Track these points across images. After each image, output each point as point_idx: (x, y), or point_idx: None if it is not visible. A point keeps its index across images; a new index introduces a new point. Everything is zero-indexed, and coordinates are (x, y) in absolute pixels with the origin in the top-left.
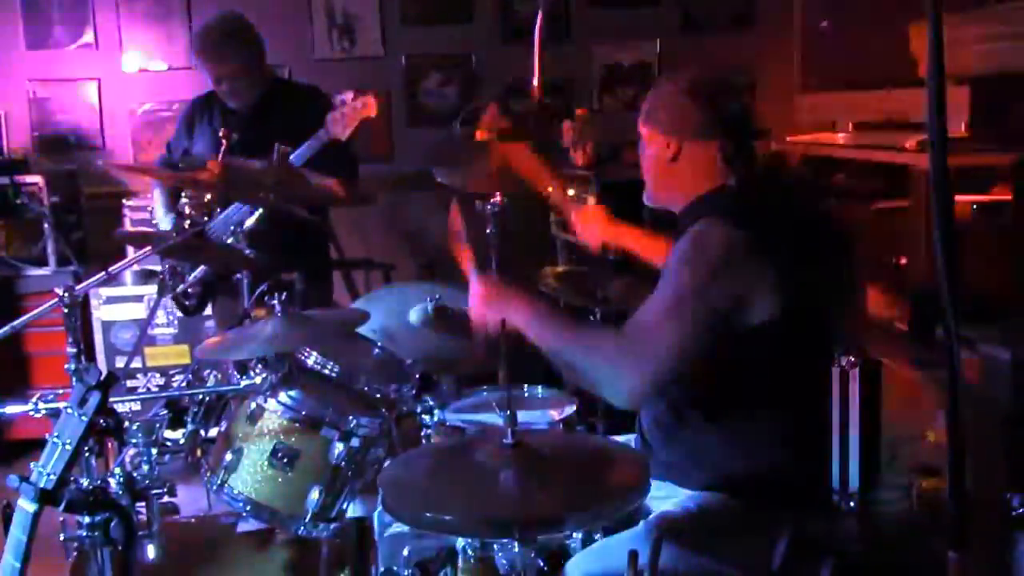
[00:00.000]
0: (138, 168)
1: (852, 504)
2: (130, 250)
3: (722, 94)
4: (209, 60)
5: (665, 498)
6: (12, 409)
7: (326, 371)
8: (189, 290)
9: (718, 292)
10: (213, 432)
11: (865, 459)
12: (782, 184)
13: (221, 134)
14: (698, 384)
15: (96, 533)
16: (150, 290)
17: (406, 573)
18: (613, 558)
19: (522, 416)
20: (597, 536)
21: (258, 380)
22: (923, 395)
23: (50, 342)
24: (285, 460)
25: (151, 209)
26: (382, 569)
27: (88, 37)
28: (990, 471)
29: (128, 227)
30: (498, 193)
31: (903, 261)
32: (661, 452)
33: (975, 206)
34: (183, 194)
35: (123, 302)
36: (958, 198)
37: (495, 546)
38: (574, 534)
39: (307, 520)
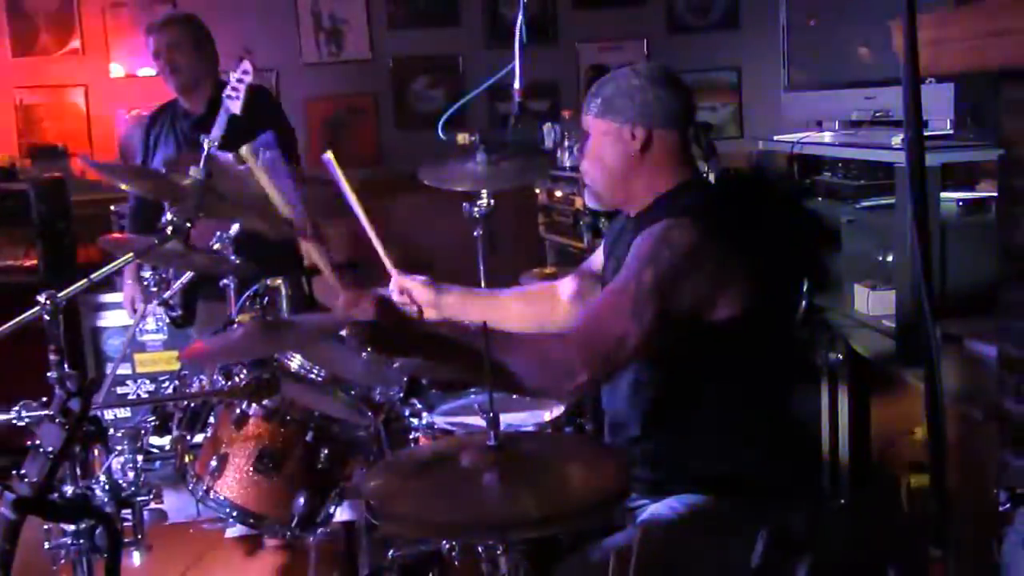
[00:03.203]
0: (119, 169)
1: (842, 501)
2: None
3: (680, 82)
4: (153, 32)
5: (650, 502)
6: None
7: (311, 375)
8: (171, 302)
9: (680, 293)
10: (199, 438)
11: (854, 456)
12: (765, 183)
13: (203, 140)
14: (666, 385)
15: (81, 541)
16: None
17: None
18: (600, 563)
19: (510, 418)
20: (585, 540)
21: (243, 385)
22: (911, 392)
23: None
24: (271, 465)
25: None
26: (368, 572)
27: (75, 43)
28: (976, 468)
29: (116, 234)
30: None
31: (890, 259)
32: (638, 469)
33: (960, 203)
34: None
35: (112, 309)
36: (943, 195)
37: (480, 549)
38: (560, 536)
39: (294, 525)
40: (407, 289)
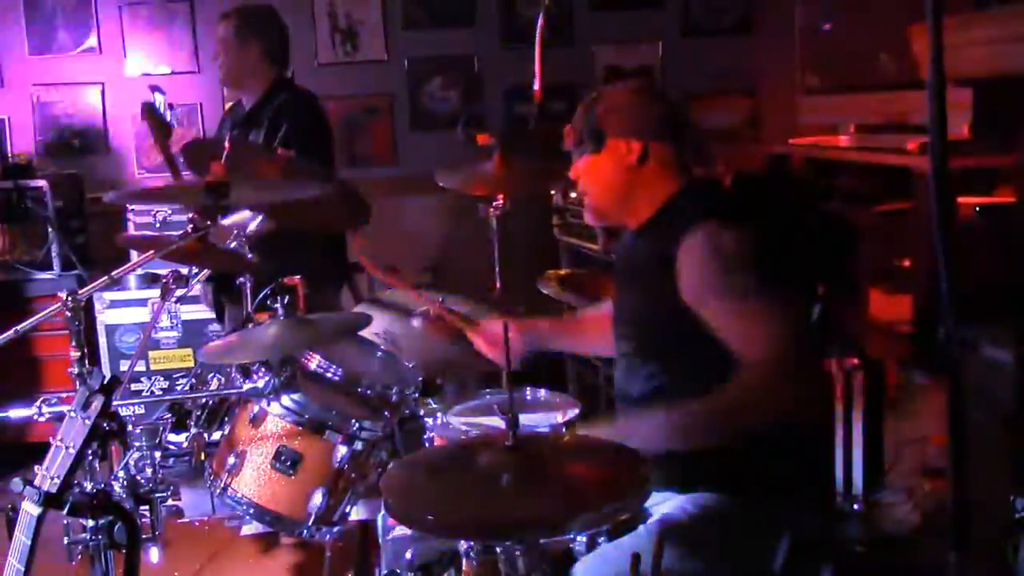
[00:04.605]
0: (145, 193)
1: (856, 506)
2: (133, 254)
3: (665, 94)
4: (217, 23)
5: (666, 501)
6: (16, 413)
7: (329, 374)
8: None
9: (764, 278)
10: (217, 436)
11: (869, 461)
12: (782, 184)
13: (225, 137)
14: (684, 384)
15: (100, 536)
16: (154, 294)
17: None
18: (616, 562)
19: (525, 419)
20: (601, 540)
21: (261, 384)
22: (927, 397)
23: (58, 346)
24: (288, 463)
25: (155, 213)
26: (385, 572)
27: (91, 42)
28: (993, 473)
29: (132, 231)
30: (500, 196)
31: (906, 263)
32: (659, 464)
33: (978, 208)
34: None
35: (127, 306)
36: (961, 200)
37: (498, 549)
38: (578, 537)
39: (310, 523)
40: (499, 337)
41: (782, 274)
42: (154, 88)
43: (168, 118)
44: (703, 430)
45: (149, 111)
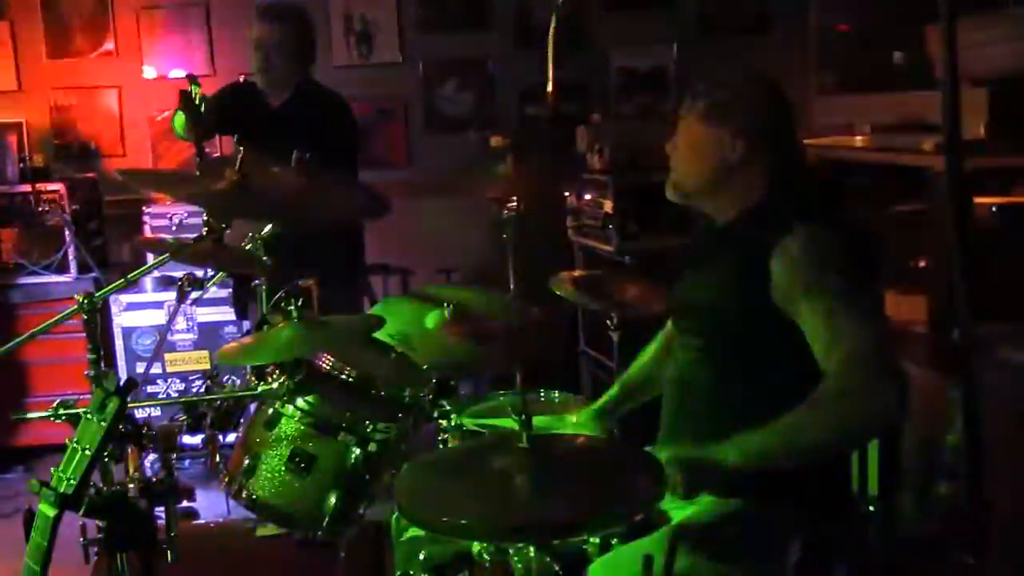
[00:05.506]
0: (153, 177)
1: (871, 508)
2: (150, 256)
3: (787, 99)
4: (260, 20)
5: (681, 505)
6: (32, 415)
7: (343, 376)
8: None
9: (857, 284)
10: (231, 437)
11: (884, 462)
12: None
13: (235, 140)
14: (759, 386)
15: (115, 538)
16: (170, 296)
17: None
18: (629, 565)
19: (539, 421)
20: (614, 542)
21: (275, 385)
22: (943, 399)
23: (56, 349)
24: (302, 465)
25: (171, 216)
26: (398, 573)
27: (109, 45)
28: (1009, 476)
29: (148, 234)
30: (514, 198)
31: (922, 263)
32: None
33: (995, 208)
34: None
35: (143, 308)
36: (977, 200)
37: (511, 550)
38: (591, 539)
39: (324, 525)
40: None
41: (870, 282)
42: (192, 79)
43: (203, 110)
44: (785, 447)
45: (186, 100)
